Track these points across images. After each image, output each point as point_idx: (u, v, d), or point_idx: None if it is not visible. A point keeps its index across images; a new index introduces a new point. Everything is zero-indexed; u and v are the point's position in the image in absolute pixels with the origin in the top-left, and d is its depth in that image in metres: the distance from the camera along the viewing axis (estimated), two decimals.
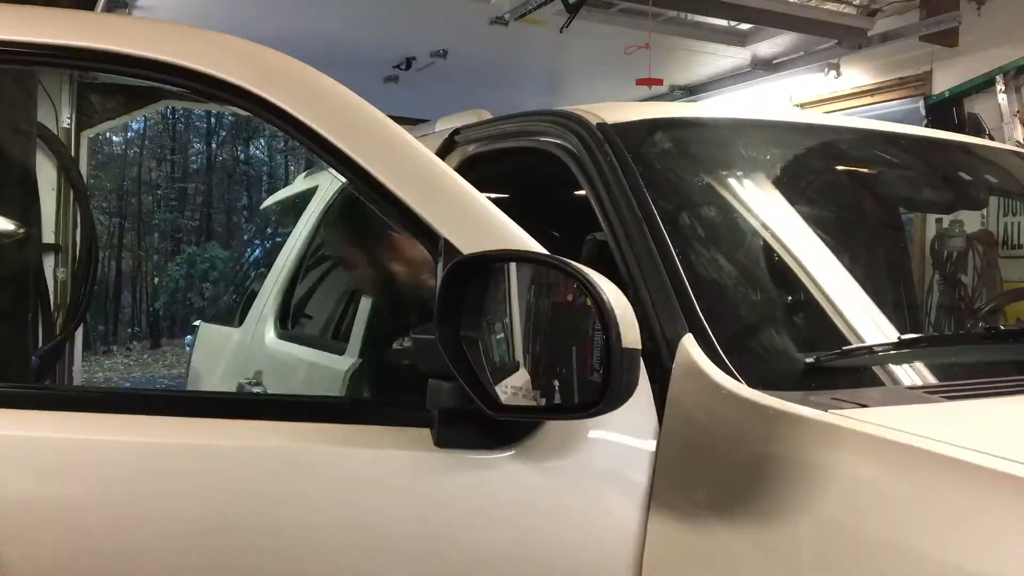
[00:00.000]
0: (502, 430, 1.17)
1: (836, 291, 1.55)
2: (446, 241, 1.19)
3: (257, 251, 4.12)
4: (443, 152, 2.04)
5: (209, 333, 3.86)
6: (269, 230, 4.10)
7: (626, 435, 1.32)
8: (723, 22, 4.87)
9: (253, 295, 3.35)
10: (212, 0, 4.77)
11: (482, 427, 1.15)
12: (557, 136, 1.69)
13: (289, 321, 3.05)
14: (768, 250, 1.62)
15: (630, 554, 1.21)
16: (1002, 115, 4.09)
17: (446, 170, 1.29)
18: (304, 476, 1.17)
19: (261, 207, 4.70)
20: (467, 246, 1.19)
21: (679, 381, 1.29)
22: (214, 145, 26.89)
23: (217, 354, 3.48)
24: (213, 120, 25.36)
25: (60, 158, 5.09)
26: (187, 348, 4.11)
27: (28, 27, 1.27)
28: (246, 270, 4.05)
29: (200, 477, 1.16)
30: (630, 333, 1.05)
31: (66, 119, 5.19)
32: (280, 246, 3.34)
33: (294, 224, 3.31)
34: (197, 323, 4.24)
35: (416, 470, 1.18)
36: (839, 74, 5.06)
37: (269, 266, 3.34)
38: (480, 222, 1.23)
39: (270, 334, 3.01)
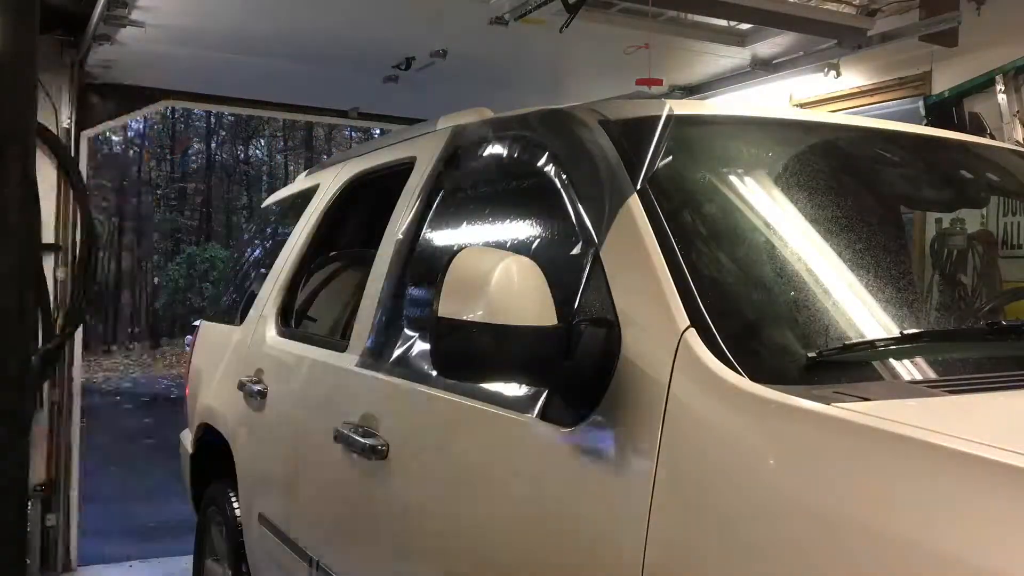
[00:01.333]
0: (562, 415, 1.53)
1: (837, 286, 1.56)
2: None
3: (258, 250, 4.12)
4: None
5: (209, 331, 3.86)
6: (270, 229, 4.10)
7: (630, 426, 1.32)
8: (723, 22, 4.87)
9: (253, 295, 3.35)
10: None
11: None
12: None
13: (291, 319, 3.05)
14: (770, 246, 1.63)
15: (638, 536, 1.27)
16: (1002, 115, 4.07)
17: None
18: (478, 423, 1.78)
19: (262, 205, 4.70)
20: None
21: (681, 374, 1.29)
22: (214, 145, 26.89)
23: (218, 352, 3.48)
24: (213, 120, 25.38)
25: (60, 158, 5.09)
26: (187, 348, 4.10)
27: None
28: (246, 269, 4.05)
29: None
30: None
31: (66, 119, 5.18)
32: (281, 244, 3.34)
33: (295, 222, 3.30)
34: (197, 322, 4.23)
35: (522, 428, 1.63)
36: (839, 74, 5.05)
37: (270, 265, 3.34)
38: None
39: (271, 332, 3.01)
